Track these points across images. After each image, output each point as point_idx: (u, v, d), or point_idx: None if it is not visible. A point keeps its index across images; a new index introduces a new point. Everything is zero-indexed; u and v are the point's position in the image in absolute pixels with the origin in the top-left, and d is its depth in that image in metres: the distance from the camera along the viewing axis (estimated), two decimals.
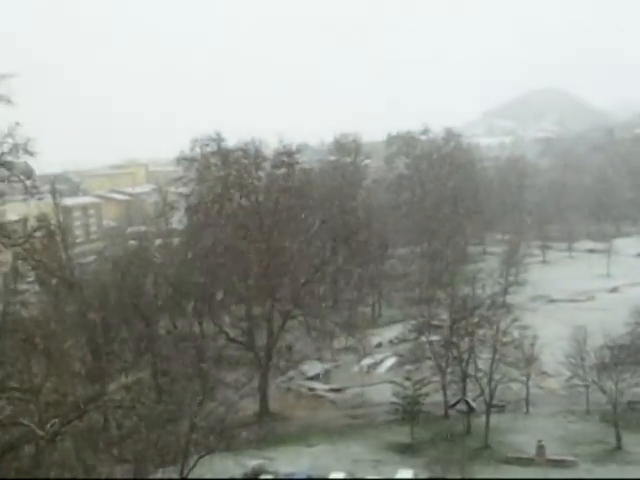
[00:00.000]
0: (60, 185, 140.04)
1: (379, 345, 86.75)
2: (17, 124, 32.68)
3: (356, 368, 77.71)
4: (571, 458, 54.12)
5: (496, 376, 59.04)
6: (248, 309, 73.74)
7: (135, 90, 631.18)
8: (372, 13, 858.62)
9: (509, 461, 54.38)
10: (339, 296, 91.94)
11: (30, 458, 33.53)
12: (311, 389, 74.20)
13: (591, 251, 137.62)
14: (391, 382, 66.44)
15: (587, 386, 61.72)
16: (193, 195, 79.08)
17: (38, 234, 36.32)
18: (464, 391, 61.53)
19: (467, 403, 60.82)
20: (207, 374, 67.38)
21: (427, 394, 61.99)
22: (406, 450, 57.51)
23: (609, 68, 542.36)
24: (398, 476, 51.57)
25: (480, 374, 59.86)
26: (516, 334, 63.16)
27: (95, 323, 65.20)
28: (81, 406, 34.83)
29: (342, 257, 78.57)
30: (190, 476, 46.91)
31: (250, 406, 67.83)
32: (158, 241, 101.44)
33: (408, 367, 71.72)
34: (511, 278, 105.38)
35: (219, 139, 75.13)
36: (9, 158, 33.55)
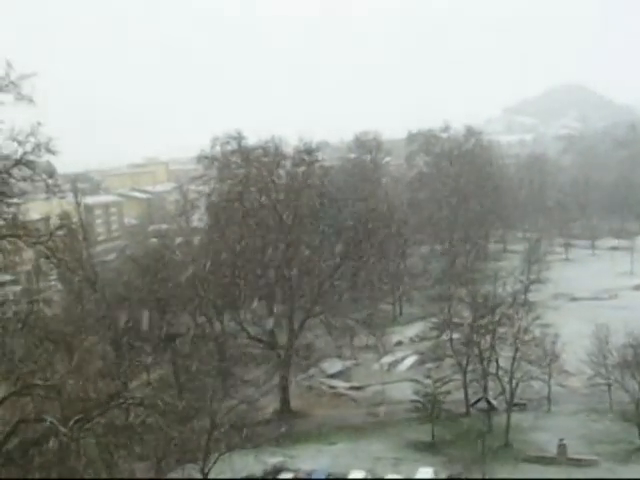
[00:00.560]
0: (82, 184, 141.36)
1: (399, 343, 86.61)
2: (39, 123, 32.98)
3: (376, 366, 77.66)
4: (593, 457, 53.66)
5: (517, 374, 58.65)
6: (269, 307, 73.84)
7: (154, 89, 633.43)
8: (389, 10, 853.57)
9: (530, 460, 54.04)
10: (359, 294, 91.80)
11: (53, 454, 33.82)
12: (332, 387, 74.22)
13: (614, 249, 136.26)
14: (412, 380, 66.37)
15: (609, 385, 61.23)
16: (213, 193, 79.31)
17: (60, 233, 36.63)
18: (485, 389, 61.22)
19: (488, 401, 60.48)
20: (228, 372, 67.63)
21: (448, 392, 61.74)
22: (427, 448, 57.36)
23: (632, 63, 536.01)
24: (418, 475, 51.44)
25: (501, 372, 59.53)
26: (538, 332, 62.72)
27: (117, 321, 65.71)
28: (103, 403, 35.07)
29: (362, 255, 78.37)
30: (211, 473, 47.18)
31: (271, 404, 68.06)
32: (179, 239, 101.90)
33: (429, 365, 71.54)
34: (533, 276, 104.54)
35: (239, 137, 75.42)
36: (31, 157, 33.86)
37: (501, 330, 62.19)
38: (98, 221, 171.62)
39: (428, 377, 62.98)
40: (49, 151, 33.95)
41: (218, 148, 76.79)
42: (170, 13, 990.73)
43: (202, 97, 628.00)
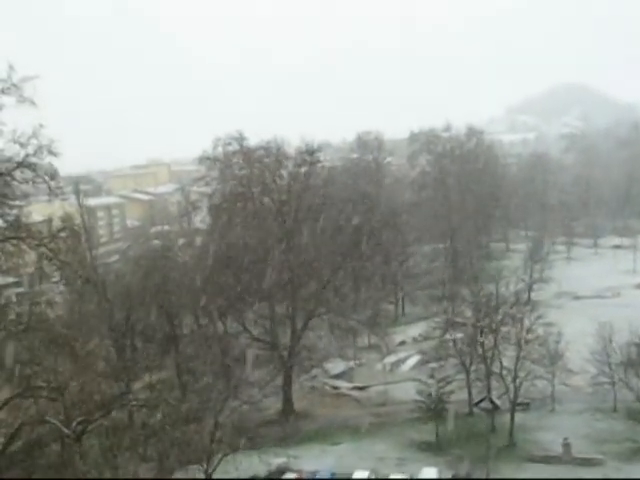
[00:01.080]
0: (84, 185, 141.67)
1: (402, 343, 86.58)
2: (41, 126, 33.05)
3: (380, 366, 77.62)
4: (598, 456, 53.55)
5: (521, 374, 58.56)
6: (271, 308, 73.84)
7: (156, 90, 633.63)
8: (388, 10, 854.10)
9: (534, 459, 53.95)
10: (362, 294, 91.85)
11: (57, 456, 33.91)
12: (335, 387, 74.22)
13: (617, 247, 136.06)
14: (415, 380, 66.23)
15: (614, 383, 61.09)
16: (215, 194, 79.32)
17: (62, 234, 36.66)
18: (489, 389, 61.08)
19: (491, 401, 60.31)
20: (231, 373, 67.67)
21: (451, 392, 61.66)
22: (430, 448, 57.30)
23: (635, 61, 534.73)
24: (422, 474, 51.43)
25: (505, 372, 59.41)
26: (541, 331, 62.60)
27: (119, 322, 65.78)
28: (106, 405, 35.15)
29: (364, 255, 78.36)
30: (214, 474, 47.17)
31: (274, 404, 68.07)
32: (181, 240, 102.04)
33: (432, 365, 71.46)
34: (535, 275, 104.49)
35: (241, 138, 75.27)
36: (33, 159, 33.93)
37: (504, 329, 62.11)
38: (100, 223, 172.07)
39: (431, 377, 62.88)
40: (51, 153, 34.02)
41: (220, 149, 76.61)
42: (173, 14, 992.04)
43: (204, 98, 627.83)
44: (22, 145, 33.36)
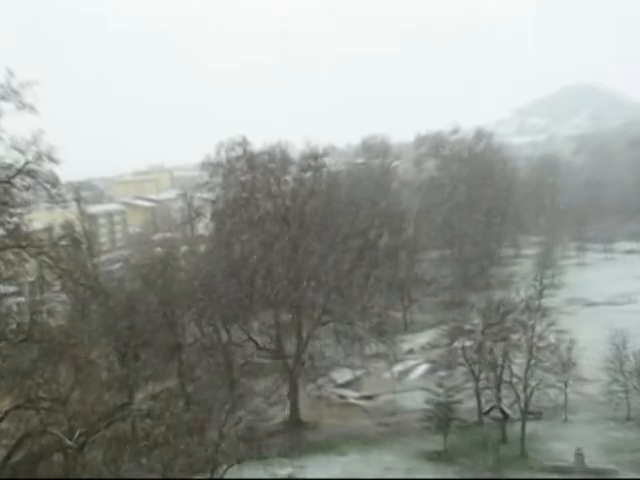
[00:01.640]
0: (85, 192, 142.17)
1: (410, 351, 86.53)
2: (41, 132, 33.27)
3: (387, 375, 77.58)
4: (611, 466, 53.34)
5: (532, 382, 58.43)
6: (276, 316, 73.91)
7: (157, 96, 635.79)
8: (395, 11, 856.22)
9: (546, 469, 53.76)
10: (368, 301, 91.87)
11: (59, 467, 34.02)
12: (342, 397, 74.21)
13: (630, 252, 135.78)
14: (423, 389, 66.19)
15: (627, 391, 60.93)
16: (219, 200, 79.48)
17: (63, 242, 36.88)
18: (499, 398, 61.04)
19: (502, 410, 60.34)
20: (235, 382, 67.71)
21: (461, 401, 61.64)
22: (439, 458, 57.24)
23: None
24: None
25: (515, 380, 59.33)
26: (552, 338, 62.52)
27: (122, 331, 65.87)
28: (109, 415, 35.27)
29: (372, 261, 78.34)
30: None
31: (279, 414, 68.05)
32: (184, 248, 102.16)
33: (441, 373, 71.41)
34: (546, 281, 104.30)
35: (245, 143, 75.38)
36: (34, 166, 34.14)
37: (515, 336, 62.03)
38: (102, 230, 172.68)
39: (440, 386, 62.82)
40: (51, 160, 34.23)
41: (223, 154, 76.77)
42: (173, 17, 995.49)
43: (205, 104, 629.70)
44: (22, 152, 33.58)
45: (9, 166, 34.27)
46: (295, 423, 66.95)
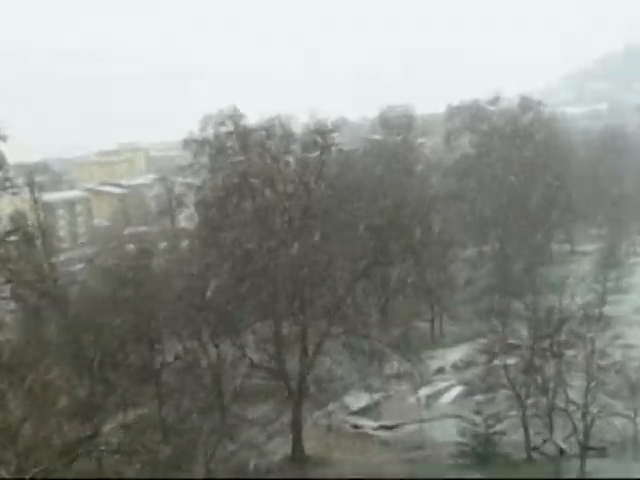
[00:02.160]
0: (40, 176, 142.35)
1: (441, 370, 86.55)
2: None
3: (412, 400, 77.57)
4: None
5: (593, 409, 58.16)
6: (276, 327, 73.84)
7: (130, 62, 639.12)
8: None
9: None
10: (389, 309, 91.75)
11: None
12: (356, 426, 74.24)
13: None
14: (457, 417, 66.14)
15: None
16: (205, 186, 79.47)
17: (13, 237, 36.79)
18: (551, 429, 60.85)
19: (556, 444, 60.17)
20: (226, 409, 67.77)
21: (503, 432, 61.53)
22: None
23: None
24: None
25: (572, 407, 59.10)
26: (618, 355, 62.34)
27: (86, 347, 65.95)
28: (69, 451, 35.20)
29: (392, 261, 78.19)
30: None
31: (280, 448, 68.12)
32: (163, 244, 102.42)
33: (478, 398, 71.44)
34: (610, 284, 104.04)
35: (237, 116, 75.14)
36: None
37: (570, 353, 61.82)
38: (61, 223, 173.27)
39: (477, 413, 62.79)
40: None
41: (210, 130, 76.61)
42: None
43: (188, 78, 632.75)
44: None
45: None
46: (299, 458, 66.96)
